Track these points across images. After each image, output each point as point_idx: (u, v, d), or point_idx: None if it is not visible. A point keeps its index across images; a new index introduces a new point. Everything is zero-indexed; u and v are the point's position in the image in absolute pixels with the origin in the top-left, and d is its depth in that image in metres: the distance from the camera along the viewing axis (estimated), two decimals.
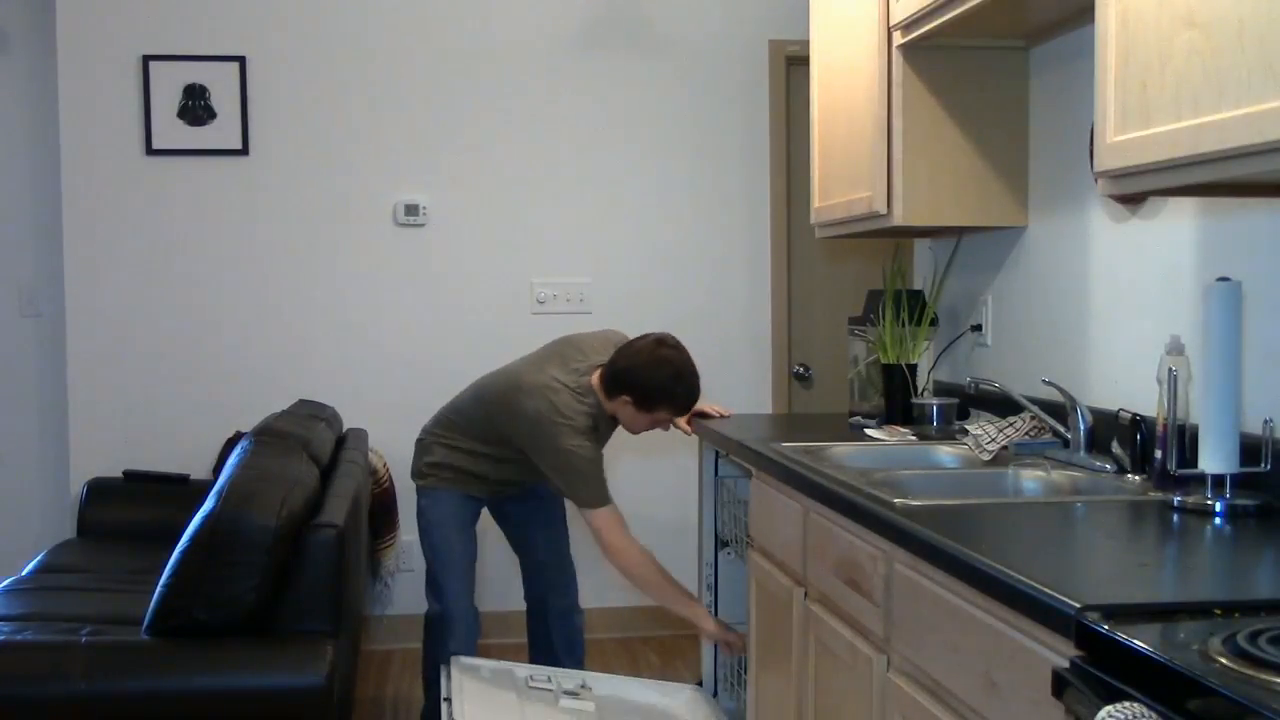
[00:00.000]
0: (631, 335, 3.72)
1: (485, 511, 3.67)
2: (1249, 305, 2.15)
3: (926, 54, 2.97)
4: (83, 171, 4.63)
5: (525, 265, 4.85)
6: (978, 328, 3.32)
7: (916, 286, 3.76)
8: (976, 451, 2.78)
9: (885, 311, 3.35)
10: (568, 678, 3.28)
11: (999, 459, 2.72)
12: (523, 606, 3.78)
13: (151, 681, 2.67)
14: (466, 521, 3.51)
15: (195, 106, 4.65)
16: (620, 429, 3.48)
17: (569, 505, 3.72)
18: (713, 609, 3.62)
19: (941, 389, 3.46)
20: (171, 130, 4.64)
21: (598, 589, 4.87)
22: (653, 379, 3.26)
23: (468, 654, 3.41)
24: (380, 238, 4.78)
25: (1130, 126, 1.88)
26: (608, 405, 3.35)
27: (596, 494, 3.31)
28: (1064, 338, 2.88)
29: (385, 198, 4.78)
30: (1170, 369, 2.23)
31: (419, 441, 3.59)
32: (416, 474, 3.56)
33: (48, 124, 4.78)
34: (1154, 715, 1.27)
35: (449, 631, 3.45)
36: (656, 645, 3.34)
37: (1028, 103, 3.06)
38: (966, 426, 2.95)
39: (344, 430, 4.39)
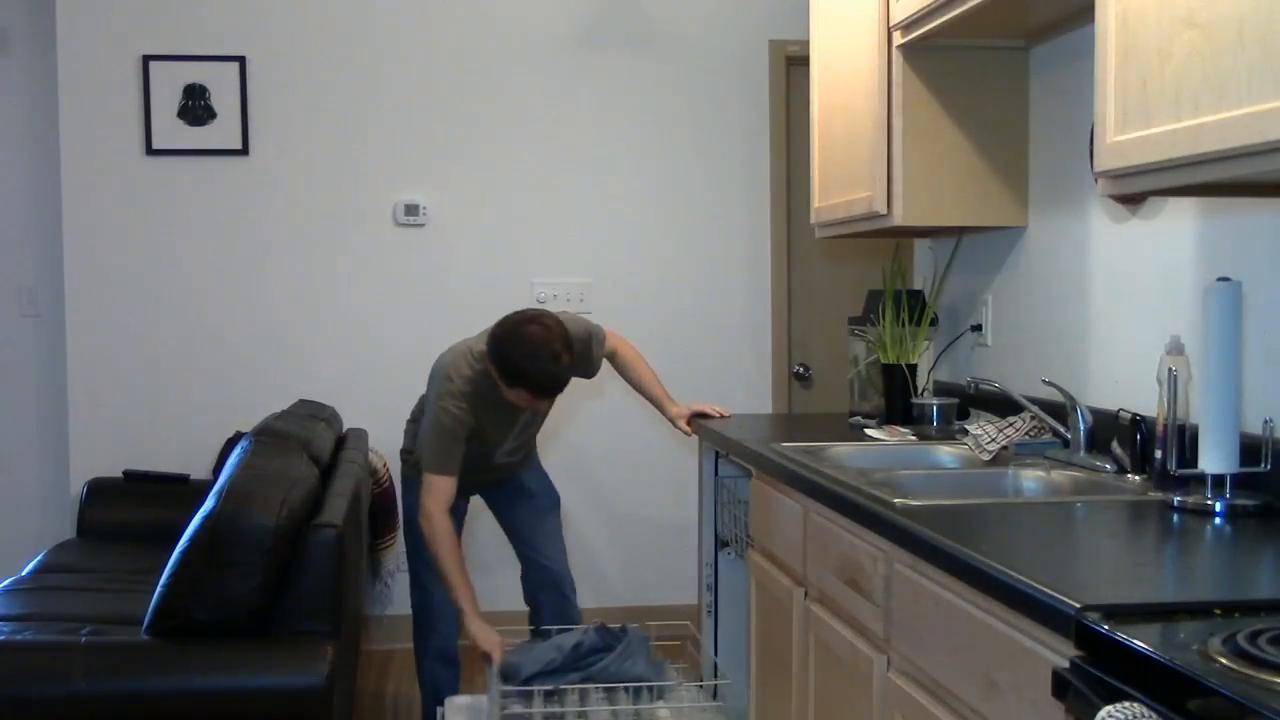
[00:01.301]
0: (631, 335, 3.72)
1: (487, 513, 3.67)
2: (1249, 305, 2.15)
3: (926, 54, 2.97)
4: (83, 171, 4.64)
5: (525, 265, 4.85)
6: (978, 328, 3.32)
7: (916, 286, 3.76)
8: (976, 451, 2.78)
9: (885, 311, 3.35)
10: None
11: (999, 459, 2.72)
12: (520, 606, 3.78)
13: (151, 681, 2.67)
14: (450, 513, 3.49)
15: (195, 106, 4.65)
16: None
17: (562, 507, 3.75)
18: (713, 609, 3.62)
19: (941, 389, 3.46)
20: (171, 130, 4.64)
21: (598, 590, 4.88)
22: (510, 354, 3.06)
23: (447, 646, 3.44)
24: (380, 238, 4.79)
25: (1130, 126, 1.88)
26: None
27: (437, 459, 3.20)
28: (1064, 338, 2.88)
29: (385, 198, 4.78)
30: (1170, 369, 2.23)
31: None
32: (401, 463, 3.60)
33: (48, 124, 4.78)
34: (1154, 715, 1.27)
35: (426, 624, 3.51)
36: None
37: (1028, 103, 3.06)
38: (966, 426, 2.95)
39: (344, 430, 4.39)
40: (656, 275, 4.92)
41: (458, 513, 3.53)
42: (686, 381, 4.82)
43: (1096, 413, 2.62)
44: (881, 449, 2.97)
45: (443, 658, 3.54)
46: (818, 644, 2.51)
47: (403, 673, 4.51)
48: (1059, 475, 2.52)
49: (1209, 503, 2.04)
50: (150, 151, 4.65)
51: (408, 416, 3.64)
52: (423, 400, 3.52)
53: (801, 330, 5.06)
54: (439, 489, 3.23)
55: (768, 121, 4.95)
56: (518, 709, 2.98)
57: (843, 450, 2.91)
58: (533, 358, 3.05)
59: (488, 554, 4.53)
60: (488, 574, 4.40)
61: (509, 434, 3.40)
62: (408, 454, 3.58)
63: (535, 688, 2.96)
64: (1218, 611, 1.45)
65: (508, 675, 3.01)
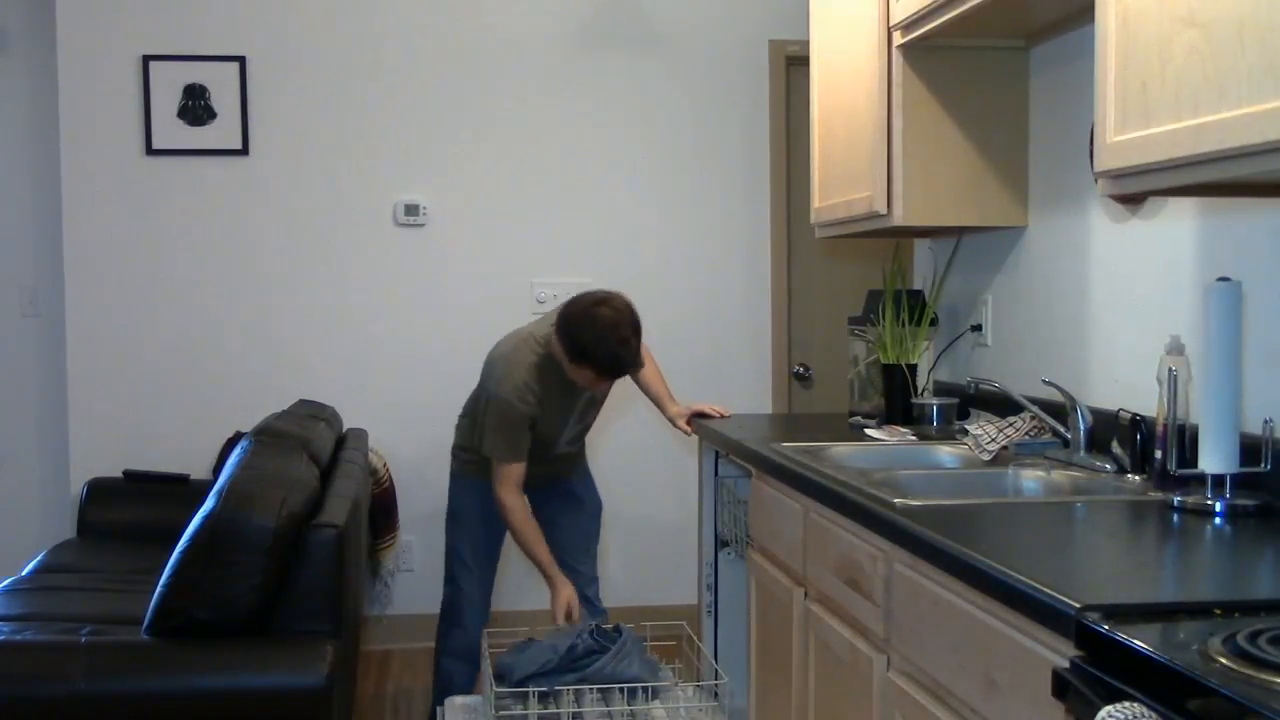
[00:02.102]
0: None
1: None
2: (1249, 305, 2.15)
3: (926, 54, 2.97)
4: (83, 171, 4.64)
5: (525, 265, 4.85)
6: (978, 328, 3.32)
7: (916, 286, 3.76)
8: (976, 451, 2.78)
9: (885, 311, 3.35)
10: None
11: (999, 459, 2.72)
12: (539, 606, 3.78)
13: (151, 681, 2.67)
14: (489, 515, 3.50)
15: (195, 106, 4.65)
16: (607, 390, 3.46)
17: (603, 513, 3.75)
18: (713, 609, 3.62)
19: (941, 389, 3.46)
20: (171, 130, 4.64)
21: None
22: (580, 334, 3.14)
23: (471, 643, 3.45)
24: (380, 238, 4.79)
25: (1130, 126, 1.88)
26: (556, 351, 3.27)
27: (508, 448, 3.31)
28: (1064, 338, 2.88)
29: (385, 198, 4.78)
30: (1170, 369, 2.23)
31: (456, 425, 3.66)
32: (452, 459, 3.62)
33: (48, 124, 4.78)
34: (1154, 715, 1.27)
35: (452, 619, 3.53)
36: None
37: (1028, 103, 3.06)
38: (966, 426, 2.95)
39: (344, 430, 4.39)
40: (656, 275, 4.91)
41: (492, 512, 3.55)
42: (687, 381, 4.82)
43: (1096, 413, 2.62)
44: (881, 449, 2.97)
45: (465, 655, 3.54)
46: (818, 644, 2.51)
47: (403, 673, 4.52)
48: (1059, 475, 2.52)
49: (1209, 503, 2.04)
50: (150, 151, 4.66)
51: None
52: (475, 395, 3.54)
53: (801, 330, 5.06)
54: (511, 476, 3.35)
55: (768, 121, 4.96)
56: (516, 710, 2.98)
57: (843, 450, 2.91)
58: (601, 339, 3.13)
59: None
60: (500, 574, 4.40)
61: (569, 419, 3.44)
62: (461, 450, 3.59)
63: (530, 689, 2.96)
64: (1218, 611, 1.45)
65: (501, 676, 3.01)
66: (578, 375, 3.25)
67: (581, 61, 4.85)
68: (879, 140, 3.01)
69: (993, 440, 2.77)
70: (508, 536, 3.56)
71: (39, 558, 4.06)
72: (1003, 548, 1.80)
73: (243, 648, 2.73)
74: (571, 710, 3.01)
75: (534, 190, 4.84)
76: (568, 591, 3.39)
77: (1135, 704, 1.29)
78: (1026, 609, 1.58)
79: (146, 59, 4.63)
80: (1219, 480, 2.05)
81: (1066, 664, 1.45)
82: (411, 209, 4.77)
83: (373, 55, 4.75)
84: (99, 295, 4.66)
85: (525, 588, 4.71)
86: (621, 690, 3.04)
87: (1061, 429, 2.74)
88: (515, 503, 3.38)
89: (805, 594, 2.61)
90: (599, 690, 3.12)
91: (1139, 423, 2.42)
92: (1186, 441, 2.21)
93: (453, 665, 3.56)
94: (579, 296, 3.25)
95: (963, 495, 2.52)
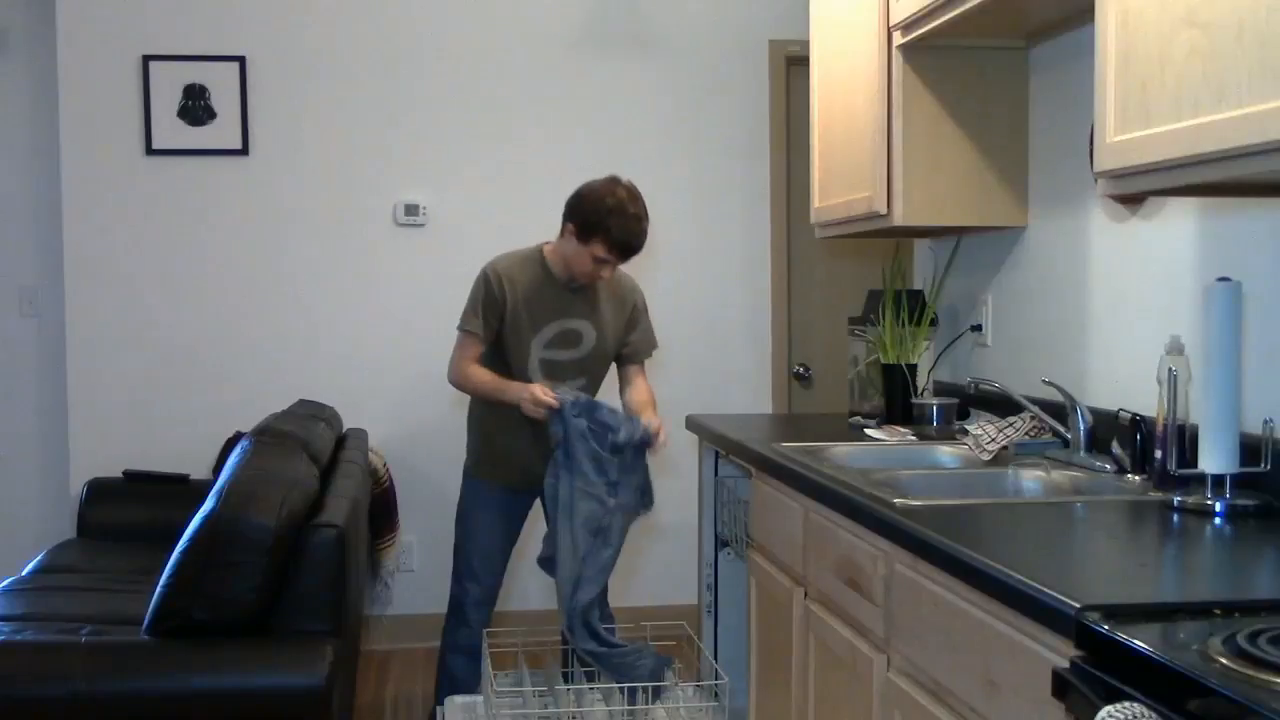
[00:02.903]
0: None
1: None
2: (1249, 305, 2.15)
3: (926, 54, 2.97)
4: (83, 171, 4.64)
5: None
6: (978, 328, 3.32)
7: (916, 286, 3.76)
8: (976, 451, 2.78)
9: (885, 311, 3.35)
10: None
11: (999, 459, 2.72)
12: (541, 607, 3.78)
13: (151, 681, 2.67)
14: (498, 514, 3.49)
15: (195, 106, 4.65)
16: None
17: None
18: (713, 609, 3.62)
19: (941, 389, 3.46)
20: (171, 130, 4.64)
21: None
22: (595, 206, 3.24)
23: (476, 640, 3.44)
24: (380, 238, 4.79)
25: (1130, 126, 1.88)
26: (559, 246, 3.36)
27: (464, 318, 3.38)
28: (1064, 338, 2.88)
29: (385, 198, 4.78)
30: (1170, 369, 2.23)
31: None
32: (466, 455, 3.62)
33: (48, 124, 4.78)
34: (1154, 715, 1.27)
35: (459, 617, 3.53)
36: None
37: (1028, 103, 3.06)
38: (966, 426, 2.95)
39: (344, 430, 4.39)
40: (656, 275, 4.91)
41: (518, 512, 3.55)
42: (687, 381, 4.83)
43: (1096, 413, 2.62)
44: (881, 449, 2.97)
45: (468, 652, 3.55)
46: (818, 644, 2.51)
47: (403, 673, 4.52)
48: (1059, 475, 2.52)
49: (1209, 503, 2.04)
50: (150, 151, 4.66)
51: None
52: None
53: (801, 330, 5.06)
54: (464, 346, 3.38)
55: (768, 121, 4.95)
56: (516, 710, 2.98)
57: (843, 450, 2.91)
58: (616, 211, 3.22)
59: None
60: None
61: (543, 331, 3.40)
62: (471, 448, 3.61)
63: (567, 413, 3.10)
64: (1218, 611, 1.45)
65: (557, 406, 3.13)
66: (579, 262, 3.29)
67: (581, 61, 4.85)
68: (879, 140, 3.01)
69: (993, 440, 2.77)
70: (518, 540, 3.56)
71: (39, 558, 4.06)
72: (1003, 548, 1.80)
73: (243, 648, 2.74)
74: (572, 710, 3.01)
75: (534, 190, 4.84)
76: (527, 391, 3.28)
77: (1135, 704, 1.29)
78: (1026, 609, 1.58)
79: (146, 59, 4.63)
80: (1219, 480, 2.05)
81: (1066, 664, 1.45)
82: (411, 209, 4.77)
83: (373, 55, 4.75)
84: (99, 295, 4.66)
85: (527, 588, 4.71)
86: (622, 690, 3.04)
87: (1061, 429, 2.74)
88: (468, 368, 3.38)
89: (805, 594, 2.61)
90: (599, 690, 3.12)
91: (1139, 423, 2.42)
92: (1186, 441, 2.21)
93: (458, 661, 3.56)
94: (589, 183, 3.34)
95: (963, 495, 2.52)
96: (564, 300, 3.41)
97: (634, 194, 3.28)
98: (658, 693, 3.06)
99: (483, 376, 3.38)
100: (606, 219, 3.22)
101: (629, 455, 3.16)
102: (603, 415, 3.14)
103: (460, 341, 3.40)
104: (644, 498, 3.23)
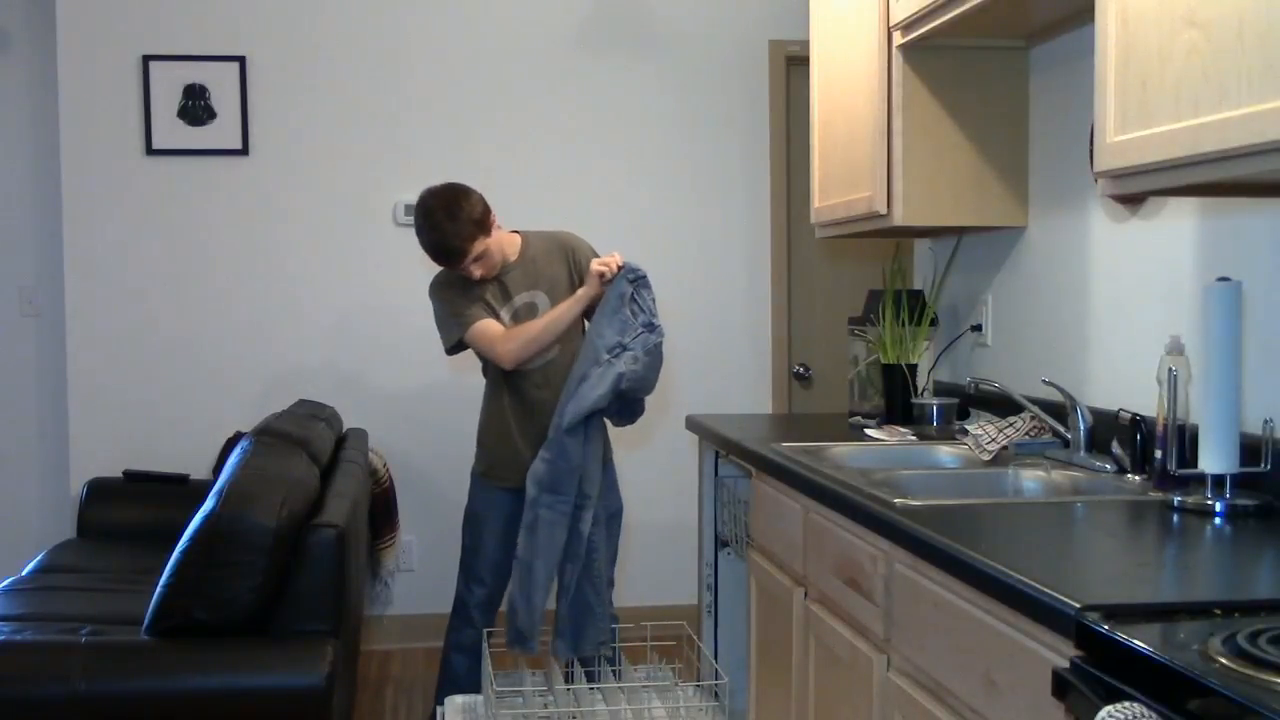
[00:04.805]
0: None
1: None
2: (1249, 305, 2.15)
3: (926, 54, 2.98)
4: (83, 171, 4.63)
5: None
6: (978, 328, 3.32)
7: (916, 286, 3.76)
8: (976, 451, 2.78)
9: (885, 311, 3.35)
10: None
11: (999, 459, 2.72)
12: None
13: (151, 681, 2.67)
14: (507, 518, 3.49)
15: (195, 106, 4.65)
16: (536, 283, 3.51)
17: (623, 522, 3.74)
18: (713, 609, 3.62)
19: (941, 389, 3.46)
20: (171, 130, 4.64)
21: None
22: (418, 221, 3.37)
23: (479, 640, 3.44)
24: (380, 238, 4.79)
25: (1130, 126, 1.88)
26: None
27: (461, 317, 3.41)
28: (1064, 338, 2.88)
29: (385, 198, 4.78)
30: (1170, 369, 2.23)
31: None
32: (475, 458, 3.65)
33: (48, 124, 4.78)
34: (1154, 715, 1.27)
35: (463, 616, 3.55)
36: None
37: (1028, 103, 3.06)
38: (966, 426, 2.95)
39: (344, 430, 4.39)
40: (656, 275, 4.87)
41: (507, 517, 3.54)
42: (687, 381, 4.83)
43: (1096, 413, 2.62)
44: (881, 449, 2.97)
45: (472, 651, 3.55)
46: (818, 644, 2.51)
47: (403, 673, 4.52)
48: (1059, 475, 2.52)
49: (1209, 503, 2.04)
50: (150, 151, 4.66)
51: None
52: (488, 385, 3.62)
53: (801, 330, 5.06)
54: (482, 331, 3.39)
55: (768, 121, 4.95)
56: (515, 710, 2.98)
57: (843, 450, 2.91)
58: (418, 230, 3.36)
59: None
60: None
61: (505, 308, 3.45)
62: (480, 450, 3.63)
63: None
64: (1218, 611, 1.45)
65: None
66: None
67: (581, 62, 4.85)
68: (879, 140, 3.01)
69: (993, 440, 2.77)
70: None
71: (39, 558, 4.06)
72: (1003, 548, 1.80)
73: (243, 648, 2.74)
74: (572, 710, 3.01)
75: (534, 190, 4.84)
76: (589, 276, 3.39)
77: (1135, 704, 1.29)
78: (1026, 609, 1.58)
79: (146, 59, 4.63)
80: (1219, 480, 2.05)
81: (1066, 664, 1.45)
82: (411, 209, 4.76)
83: (373, 55, 4.75)
84: (99, 295, 4.66)
85: None
86: (622, 690, 3.04)
87: (1061, 429, 2.74)
88: (510, 336, 3.37)
89: (805, 594, 2.61)
90: (599, 690, 3.12)
91: (1139, 423, 2.42)
92: (1186, 441, 2.21)
93: (461, 659, 3.57)
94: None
95: (963, 495, 2.52)
96: (502, 286, 3.47)
97: (425, 206, 3.34)
98: (659, 692, 3.06)
99: (530, 324, 3.40)
100: (418, 236, 3.37)
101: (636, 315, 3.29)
102: (647, 297, 3.33)
103: (474, 334, 3.41)
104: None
